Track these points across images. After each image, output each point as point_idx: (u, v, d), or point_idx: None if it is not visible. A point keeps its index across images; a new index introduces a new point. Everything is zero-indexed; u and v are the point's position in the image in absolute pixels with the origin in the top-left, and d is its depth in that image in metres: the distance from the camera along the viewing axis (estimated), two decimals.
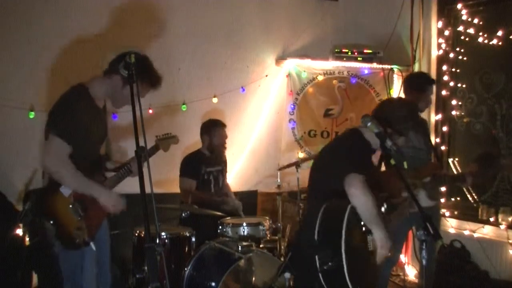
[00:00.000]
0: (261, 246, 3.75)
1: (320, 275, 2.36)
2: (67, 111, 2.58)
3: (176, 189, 4.36)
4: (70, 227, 2.55)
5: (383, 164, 3.84)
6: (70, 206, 2.55)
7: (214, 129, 4.41)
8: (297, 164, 4.32)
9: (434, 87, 3.87)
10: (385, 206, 2.70)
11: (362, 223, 2.46)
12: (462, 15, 4.74)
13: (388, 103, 2.93)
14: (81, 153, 2.60)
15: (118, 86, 2.66)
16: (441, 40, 4.94)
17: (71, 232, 2.54)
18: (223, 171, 4.55)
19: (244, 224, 3.85)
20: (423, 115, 3.97)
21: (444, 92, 4.89)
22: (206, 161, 4.39)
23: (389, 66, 5.21)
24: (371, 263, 2.51)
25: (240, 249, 3.36)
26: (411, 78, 4.01)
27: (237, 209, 4.39)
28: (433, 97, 4.77)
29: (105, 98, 2.79)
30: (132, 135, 2.09)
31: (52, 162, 2.51)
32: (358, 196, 2.42)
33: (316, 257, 2.37)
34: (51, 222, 2.52)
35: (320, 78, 5.28)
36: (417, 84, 3.75)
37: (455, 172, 4.77)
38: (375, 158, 4.29)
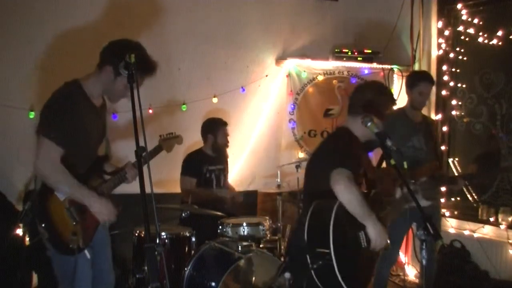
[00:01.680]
0: (261, 246, 3.74)
1: (313, 274, 2.36)
2: (58, 111, 2.46)
3: (177, 189, 4.36)
4: (65, 231, 2.44)
5: (384, 162, 3.88)
6: (66, 210, 2.45)
7: (218, 128, 4.42)
8: (298, 163, 4.33)
9: (434, 87, 3.86)
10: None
11: (353, 220, 2.44)
12: (462, 15, 4.74)
13: (357, 89, 2.91)
14: (77, 153, 2.50)
15: (110, 78, 2.52)
16: (441, 40, 4.94)
17: (66, 237, 2.42)
18: (224, 169, 4.55)
19: (244, 224, 3.84)
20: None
21: (444, 92, 4.88)
22: (208, 160, 4.40)
23: (389, 66, 5.21)
24: (364, 260, 2.49)
25: (240, 249, 3.35)
26: (408, 75, 4.12)
27: (236, 196, 4.42)
28: (433, 97, 4.81)
29: (102, 95, 2.67)
30: (132, 136, 2.09)
31: (43, 166, 2.39)
32: (343, 193, 2.40)
33: (307, 256, 2.37)
34: (43, 225, 2.42)
35: (320, 78, 5.28)
36: (407, 80, 3.84)
37: (455, 172, 4.78)
38: (375, 157, 4.31)
